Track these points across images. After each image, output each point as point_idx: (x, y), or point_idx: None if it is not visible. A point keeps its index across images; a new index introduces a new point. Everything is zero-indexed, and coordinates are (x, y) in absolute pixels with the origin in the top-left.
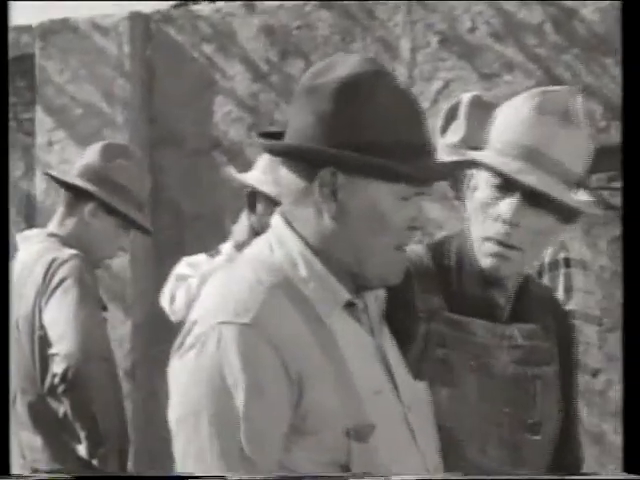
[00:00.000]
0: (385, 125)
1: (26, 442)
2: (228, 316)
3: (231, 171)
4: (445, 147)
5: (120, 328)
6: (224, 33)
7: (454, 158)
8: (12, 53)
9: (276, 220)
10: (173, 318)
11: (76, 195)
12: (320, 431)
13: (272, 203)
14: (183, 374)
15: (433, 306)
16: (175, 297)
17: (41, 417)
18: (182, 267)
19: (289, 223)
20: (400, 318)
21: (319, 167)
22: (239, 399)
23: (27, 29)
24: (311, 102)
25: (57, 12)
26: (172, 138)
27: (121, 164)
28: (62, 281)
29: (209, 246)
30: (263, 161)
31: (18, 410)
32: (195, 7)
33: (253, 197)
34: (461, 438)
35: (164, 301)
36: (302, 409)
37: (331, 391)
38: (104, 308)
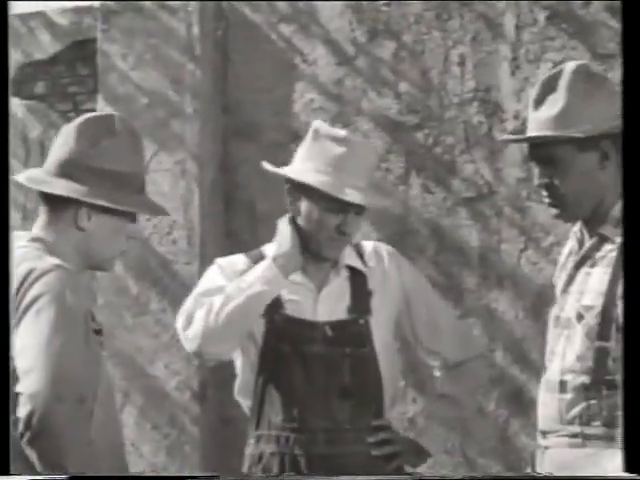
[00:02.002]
0: None
1: None
2: None
3: (266, 165)
4: (538, 122)
5: None
6: (305, 12)
7: (547, 134)
8: (73, 37)
9: None
10: (187, 346)
11: (62, 200)
12: None
13: (317, 197)
14: None
15: None
16: (193, 319)
17: (17, 468)
18: (213, 273)
19: None
20: None
21: None
22: None
23: (89, 10)
24: None
25: None
26: (247, 130)
27: (106, 146)
28: (36, 299)
29: None
30: (303, 149)
31: None
32: None
33: (295, 194)
34: None
35: (178, 322)
36: None
37: None
38: (97, 332)
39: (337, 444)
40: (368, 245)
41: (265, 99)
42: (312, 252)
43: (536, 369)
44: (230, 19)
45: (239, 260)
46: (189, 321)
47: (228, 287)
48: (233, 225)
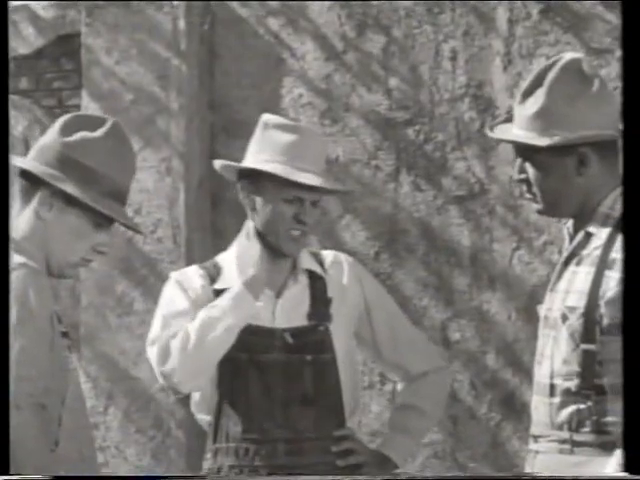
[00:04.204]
0: None
1: None
2: None
3: (217, 163)
4: (520, 117)
5: None
6: (293, 5)
7: (518, 139)
8: (57, 32)
9: None
10: (163, 381)
11: (32, 184)
12: None
13: (271, 189)
14: None
15: None
16: (169, 354)
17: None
18: (173, 291)
19: None
20: None
21: None
22: None
23: (73, 4)
24: None
25: None
26: (234, 126)
27: (85, 138)
28: None
29: None
30: (253, 143)
31: None
32: None
33: (250, 188)
34: None
35: (152, 354)
36: None
37: None
38: (64, 334)
39: (298, 454)
40: (328, 254)
41: (253, 95)
42: (272, 249)
43: (529, 372)
44: (217, 13)
45: (195, 273)
46: (165, 355)
47: (200, 314)
48: (220, 224)
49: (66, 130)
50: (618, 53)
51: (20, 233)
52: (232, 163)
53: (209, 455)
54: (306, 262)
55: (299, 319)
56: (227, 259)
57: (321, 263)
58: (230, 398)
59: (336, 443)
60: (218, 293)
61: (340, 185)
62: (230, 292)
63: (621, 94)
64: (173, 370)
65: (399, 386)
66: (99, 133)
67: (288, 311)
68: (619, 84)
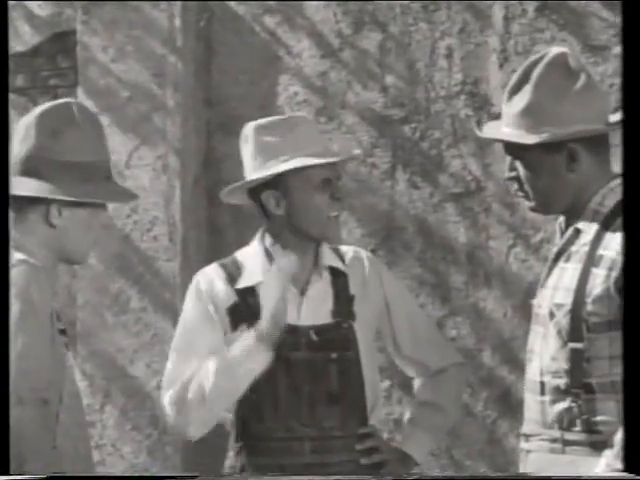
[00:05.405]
0: None
1: None
2: None
3: (227, 191)
4: (507, 115)
5: (169, 342)
6: (289, 3)
7: (504, 137)
8: (53, 29)
9: None
10: (176, 430)
11: (30, 201)
12: None
13: (299, 185)
14: None
15: None
16: (185, 402)
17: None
18: (194, 303)
19: None
20: None
21: None
22: None
23: (69, 2)
24: None
25: None
26: (231, 124)
27: (68, 138)
28: None
29: None
30: (251, 155)
31: None
32: None
33: (276, 194)
34: None
35: (166, 400)
36: None
37: None
38: (62, 332)
39: (324, 453)
40: (349, 250)
41: (249, 92)
42: (312, 237)
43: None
44: (213, 10)
45: (215, 275)
46: (181, 406)
47: (215, 362)
48: (216, 222)
49: (43, 133)
50: (615, 50)
51: (20, 234)
52: (256, 178)
53: (232, 454)
54: (328, 258)
55: (323, 316)
56: (248, 255)
57: (342, 259)
58: (255, 396)
59: (360, 441)
60: (240, 293)
61: (353, 149)
62: (247, 338)
63: (620, 90)
64: (188, 422)
65: (417, 382)
66: (76, 125)
67: (313, 308)
68: (616, 81)
